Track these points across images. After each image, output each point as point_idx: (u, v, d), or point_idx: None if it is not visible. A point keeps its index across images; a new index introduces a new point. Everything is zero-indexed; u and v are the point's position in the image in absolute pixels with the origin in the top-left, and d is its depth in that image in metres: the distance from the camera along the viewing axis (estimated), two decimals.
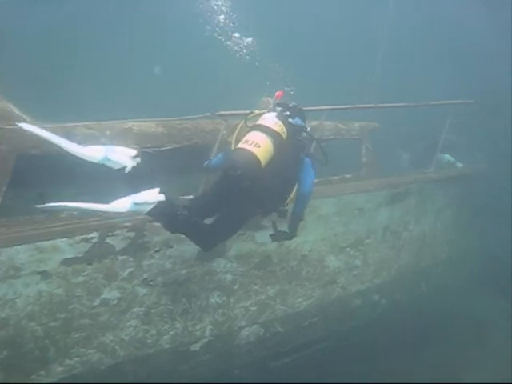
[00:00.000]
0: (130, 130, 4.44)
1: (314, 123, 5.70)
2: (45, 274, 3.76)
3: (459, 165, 7.74)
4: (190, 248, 4.42)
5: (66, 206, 3.20)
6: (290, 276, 5.24)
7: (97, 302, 4.03)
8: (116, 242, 4.02)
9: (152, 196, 3.37)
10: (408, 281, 6.80)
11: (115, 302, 4.12)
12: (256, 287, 5.01)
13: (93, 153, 3.46)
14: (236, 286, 4.84)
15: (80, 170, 4.98)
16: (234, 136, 4.02)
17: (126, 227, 4.04)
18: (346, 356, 5.92)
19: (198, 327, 4.64)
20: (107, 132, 4.31)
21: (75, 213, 4.05)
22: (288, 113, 4.05)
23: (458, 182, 7.08)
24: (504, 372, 6.13)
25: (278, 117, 3.89)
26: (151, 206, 3.37)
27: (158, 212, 3.41)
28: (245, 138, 3.75)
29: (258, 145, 3.64)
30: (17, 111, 4.71)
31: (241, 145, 3.71)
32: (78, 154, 3.42)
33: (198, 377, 4.73)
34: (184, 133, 4.72)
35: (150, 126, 4.58)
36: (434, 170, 6.62)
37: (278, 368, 5.41)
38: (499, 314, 7.81)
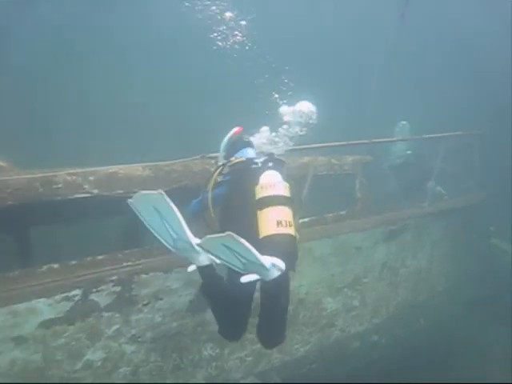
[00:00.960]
0: (116, 174, 4.15)
1: (306, 159, 5.51)
2: (19, 340, 3.40)
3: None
4: (180, 299, 4.12)
5: None
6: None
7: (79, 365, 3.67)
8: (101, 298, 3.70)
9: None
10: (406, 316, 6.55)
11: (99, 363, 3.76)
12: (251, 336, 4.65)
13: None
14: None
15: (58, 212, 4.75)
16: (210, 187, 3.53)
17: (111, 281, 3.72)
18: None
19: None
20: (91, 178, 4.02)
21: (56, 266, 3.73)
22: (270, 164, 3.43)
23: (453, 214, 6.92)
24: None
25: (282, 176, 3.28)
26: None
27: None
28: (274, 217, 3.02)
29: (291, 223, 3.04)
30: None
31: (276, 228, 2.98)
32: None
33: None
34: (172, 175, 4.45)
35: (137, 169, 4.30)
36: (429, 203, 6.43)
37: None
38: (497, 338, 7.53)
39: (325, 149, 5.49)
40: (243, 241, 2.60)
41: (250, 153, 3.78)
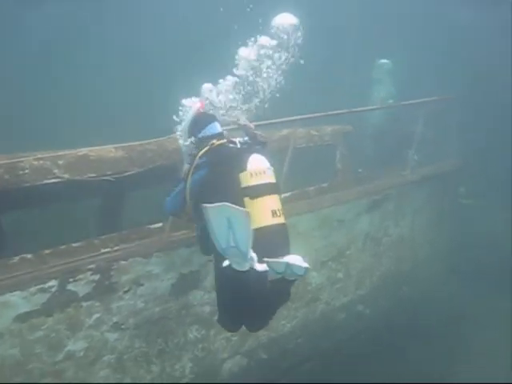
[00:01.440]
0: (87, 157, 3.96)
1: (285, 132, 5.38)
2: None
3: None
4: (162, 283, 4.02)
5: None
6: None
7: (60, 356, 3.56)
8: (79, 287, 3.57)
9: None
10: (390, 286, 6.62)
11: (82, 353, 3.67)
12: None
13: None
14: (216, 317, 4.44)
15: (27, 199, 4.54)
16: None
17: (89, 270, 3.58)
18: (335, 371, 5.66)
19: (177, 367, 4.25)
20: (60, 162, 3.82)
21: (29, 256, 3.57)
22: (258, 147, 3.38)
23: (433, 180, 6.92)
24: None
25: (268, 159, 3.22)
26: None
27: None
28: (269, 207, 3.01)
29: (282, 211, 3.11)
30: None
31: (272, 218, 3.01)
32: None
33: None
34: (146, 155, 4.28)
35: (109, 151, 4.11)
36: (409, 171, 6.41)
37: None
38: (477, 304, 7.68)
39: (303, 121, 5.36)
40: (306, 265, 2.72)
41: (217, 128, 3.60)
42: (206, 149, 3.35)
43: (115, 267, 3.71)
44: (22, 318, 3.34)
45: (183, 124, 3.64)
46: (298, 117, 4.97)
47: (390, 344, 6.02)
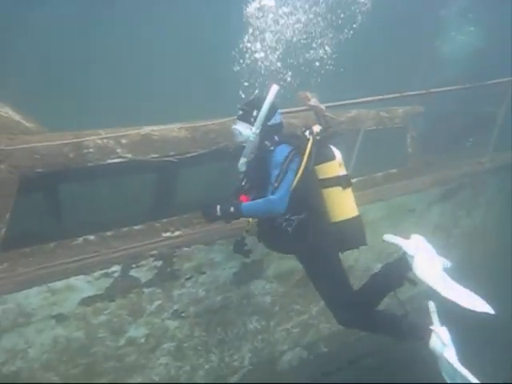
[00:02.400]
0: (150, 136, 3.86)
1: (354, 113, 5.10)
2: (60, 318, 3.27)
3: None
4: (224, 272, 3.92)
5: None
6: None
7: (122, 341, 3.56)
8: (141, 273, 3.51)
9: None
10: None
11: (143, 339, 3.64)
12: (298, 307, 4.51)
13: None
14: (276, 308, 4.34)
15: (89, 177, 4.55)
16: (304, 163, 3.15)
17: (151, 256, 3.52)
18: (393, 368, 5.45)
19: (235, 357, 4.18)
20: (123, 141, 3.74)
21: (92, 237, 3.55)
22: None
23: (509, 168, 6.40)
24: None
25: None
26: None
27: None
28: (350, 199, 3.27)
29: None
30: (17, 117, 4.19)
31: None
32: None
33: None
34: (210, 136, 4.13)
35: (172, 130, 4.00)
36: (488, 158, 5.94)
37: None
38: None
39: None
40: None
41: (279, 116, 3.41)
42: (310, 141, 3.16)
43: (177, 254, 3.63)
44: (87, 301, 3.33)
45: (262, 110, 3.23)
46: (369, 98, 4.67)
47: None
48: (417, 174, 5.39)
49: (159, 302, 3.66)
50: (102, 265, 3.33)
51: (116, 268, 3.39)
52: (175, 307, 3.74)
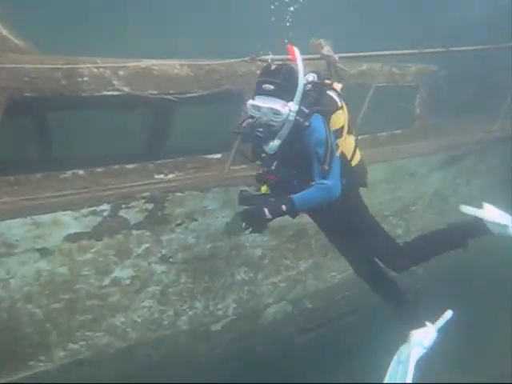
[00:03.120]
0: (149, 70, 3.66)
1: (365, 67, 4.90)
2: (45, 252, 3.19)
3: None
4: (216, 221, 3.84)
5: None
6: (326, 248, 4.68)
7: (106, 281, 3.51)
8: (131, 215, 3.42)
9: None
10: None
11: (128, 281, 3.61)
12: (287, 262, 4.49)
13: None
14: (265, 261, 4.32)
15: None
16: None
17: (143, 198, 3.41)
18: (376, 328, 5.56)
19: (220, 306, 4.18)
20: (120, 73, 3.54)
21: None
22: None
23: None
24: None
25: None
26: None
27: None
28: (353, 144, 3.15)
29: None
30: (5, 32, 3.90)
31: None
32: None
33: (217, 357, 4.34)
34: (213, 76, 3.93)
35: (173, 67, 3.79)
36: (499, 126, 5.79)
37: (303, 344, 5.05)
38: None
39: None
40: None
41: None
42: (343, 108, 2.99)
43: (170, 198, 3.53)
44: (73, 238, 3.25)
45: (299, 82, 2.77)
46: (388, 52, 4.44)
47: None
48: (422, 137, 5.28)
49: (147, 246, 3.59)
50: (91, 202, 3.23)
51: (105, 207, 3.29)
52: (163, 252, 3.69)
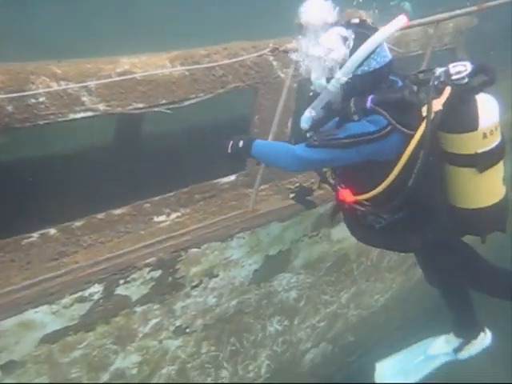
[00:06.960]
0: (130, 75, 2.69)
1: (397, 34, 4.00)
2: (11, 367, 2.31)
3: None
4: (242, 271, 3.02)
5: None
6: (369, 272, 3.97)
7: (105, 377, 2.68)
8: (132, 290, 2.55)
9: None
10: None
11: (134, 369, 2.78)
12: (326, 297, 3.74)
13: None
14: (301, 303, 3.56)
15: None
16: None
17: (147, 266, 2.54)
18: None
19: (251, 367, 3.43)
20: (91, 84, 2.57)
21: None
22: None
23: None
24: None
25: None
26: None
27: None
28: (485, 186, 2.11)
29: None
30: None
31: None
32: None
33: None
34: (216, 73, 3.00)
35: (162, 64, 2.83)
36: None
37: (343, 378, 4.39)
38: None
39: None
40: None
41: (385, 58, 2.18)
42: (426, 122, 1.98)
43: (183, 258, 2.67)
44: (52, 338, 2.38)
45: (360, 49, 2.02)
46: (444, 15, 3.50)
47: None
48: None
49: (156, 321, 2.76)
50: (75, 287, 2.33)
51: (96, 288, 2.40)
52: (177, 323, 2.86)
